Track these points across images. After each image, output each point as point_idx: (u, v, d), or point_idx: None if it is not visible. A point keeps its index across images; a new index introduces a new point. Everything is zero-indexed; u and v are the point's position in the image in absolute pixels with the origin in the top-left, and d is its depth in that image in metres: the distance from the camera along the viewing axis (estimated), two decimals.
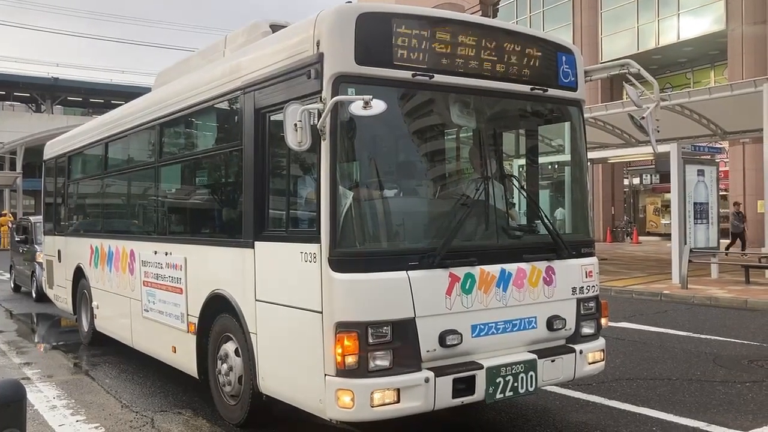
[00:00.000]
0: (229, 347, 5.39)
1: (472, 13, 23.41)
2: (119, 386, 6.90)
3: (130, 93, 38.73)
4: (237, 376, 5.29)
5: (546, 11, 32.48)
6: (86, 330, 9.10)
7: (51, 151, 10.85)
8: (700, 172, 15.21)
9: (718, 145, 23.56)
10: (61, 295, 10.14)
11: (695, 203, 15.00)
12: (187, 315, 6.04)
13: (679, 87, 27.11)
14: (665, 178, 27.63)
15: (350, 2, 4.47)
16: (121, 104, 9.17)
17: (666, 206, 31.74)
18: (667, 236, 20.41)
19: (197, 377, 5.93)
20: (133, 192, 8.02)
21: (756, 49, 23.73)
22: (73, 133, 10.04)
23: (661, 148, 13.79)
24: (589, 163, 6.00)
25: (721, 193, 17.35)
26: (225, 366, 5.42)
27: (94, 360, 8.25)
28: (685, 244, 14.44)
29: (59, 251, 10.15)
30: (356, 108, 4.11)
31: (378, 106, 4.11)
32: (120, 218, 8.65)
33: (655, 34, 27.35)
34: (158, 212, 7.13)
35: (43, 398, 6.41)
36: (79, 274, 9.23)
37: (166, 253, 6.47)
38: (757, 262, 15.28)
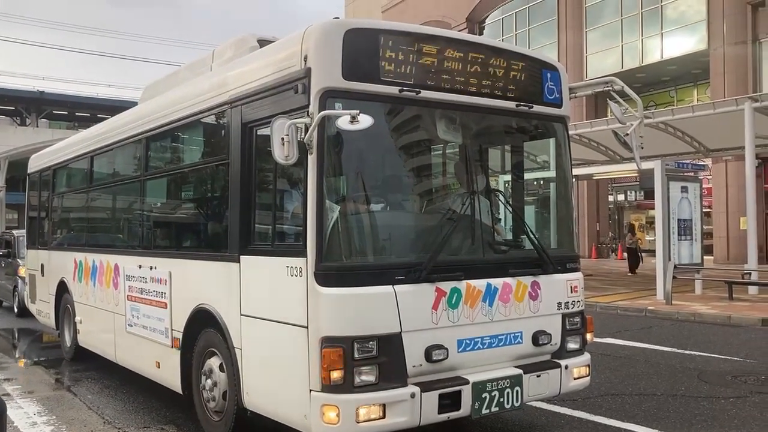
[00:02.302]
0: (214, 362, 5.34)
1: (458, 31, 23.61)
2: (102, 402, 6.82)
3: (116, 107, 38.56)
4: (221, 392, 5.25)
5: (531, 29, 32.80)
6: (69, 345, 9.00)
7: (36, 164, 10.78)
8: (684, 189, 15.37)
9: (701, 162, 23.83)
10: (44, 310, 10.02)
11: (679, 220, 15.14)
12: (172, 330, 5.99)
13: (663, 105, 27.44)
14: (649, 194, 27.87)
15: (338, 18, 4.50)
16: (107, 118, 9.13)
17: (650, 223, 32.01)
18: (652, 252, 20.54)
19: (181, 393, 5.87)
20: (119, 206, 7.97)
21: (737, 69, 24.10)
22: (59, 147, 9.98)
23: (645, 165, 13.91)
24: (574, 180, 6.04)
25: (704, 210, 17.51)
26: (209, 381, 5.37)
27: (76, 375, 8.15)
28: (669, 260, 14.55)
29: (42, 265, 10.05)
30: (343, 123, 4.14)
31: (365, 120, 4.14)
32: (105, 232, 8.59)
33: (639, 52, 27.70)
34: (143, 226, 7.09)
35: (23, 414, 6.31)
36: (62, 289, 9.13)
37: (151, 267, 6.43)
38: (739, 278, 15.42)
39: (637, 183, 33.06)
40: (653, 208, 17.90)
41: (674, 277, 14.20)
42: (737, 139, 15.99)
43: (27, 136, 47.70)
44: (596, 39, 29.60)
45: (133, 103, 8.51)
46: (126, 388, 7.33)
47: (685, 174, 17.10)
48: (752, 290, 15.03)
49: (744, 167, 15.72)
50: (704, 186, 18.46)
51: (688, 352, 9.17)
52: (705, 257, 16.68)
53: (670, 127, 17.12)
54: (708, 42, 25.06)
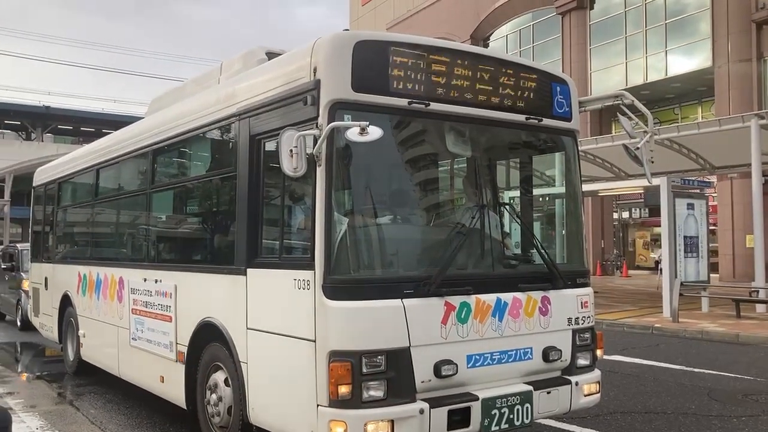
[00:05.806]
0: (219, 377, 5.28)
1: None
2: (104, 417, 6.74)
3: (121, 122, 38.58)
4: (226, 407, 5.17)
5: (536, 47, 32.95)
6: (72, 359, 8.93)
7: (41, 177, 10.78)
8: (690, 206, 15.26)
9: (707, 180, 23.77)
10: (47, 324, 9.97)
11: (685, 237, 15.03)
12: (176, 344, 5.93)
13: (668, 122, 27.44)
14: (654, 212, 27.83)
15: (347, 30, 4.49)
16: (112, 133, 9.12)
17: (655, 240, 31.91)
18: (656, 270, 20.42)
19: (185, 408, 5.80)
20: (124, 219, 7.94)
21: (742, 86, 24.13)
22: (64, 160, 9.98)
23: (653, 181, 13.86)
24: None
25: (710, 227, 17.42)
26: (214, 396, 5.30)
27: (79, 390, 8.08)
28: (676, 277, 14.44)
29: (46, 279, 10.01)
30: (352, 134, 4.11)
31: (374, 132, 4.11)
32: (109, 246, 8.55)
33: (644, 70, 27.77)
34: (149, 239, 7.05)
35: (25, 429, 6.24)
36: (66, 302, 9.08)
37: (156, 281, 6.38)
38: (747, 296, 15.29)
39: (642, 200, 33.02)
40: (658, 225, 17.77)
41: (681, 295, 14.10)
42: (743, 156, 15.94)
43: (32, 150, 47.95)
44: (601, 56, 29.69)
45: (138, 119, 8.49)
46: (129, 403, 7.26)
47: (691, 191, 16.98)
48: (760, 308, 14.91)
49: (750, 185, 15.65)
50: (710, 203, 18.34)
51: (696, 370, 9.06)
52: (710, 275, 16.56)
53: (676, 144, 17.08)
54: (713, 59, 25.11)
